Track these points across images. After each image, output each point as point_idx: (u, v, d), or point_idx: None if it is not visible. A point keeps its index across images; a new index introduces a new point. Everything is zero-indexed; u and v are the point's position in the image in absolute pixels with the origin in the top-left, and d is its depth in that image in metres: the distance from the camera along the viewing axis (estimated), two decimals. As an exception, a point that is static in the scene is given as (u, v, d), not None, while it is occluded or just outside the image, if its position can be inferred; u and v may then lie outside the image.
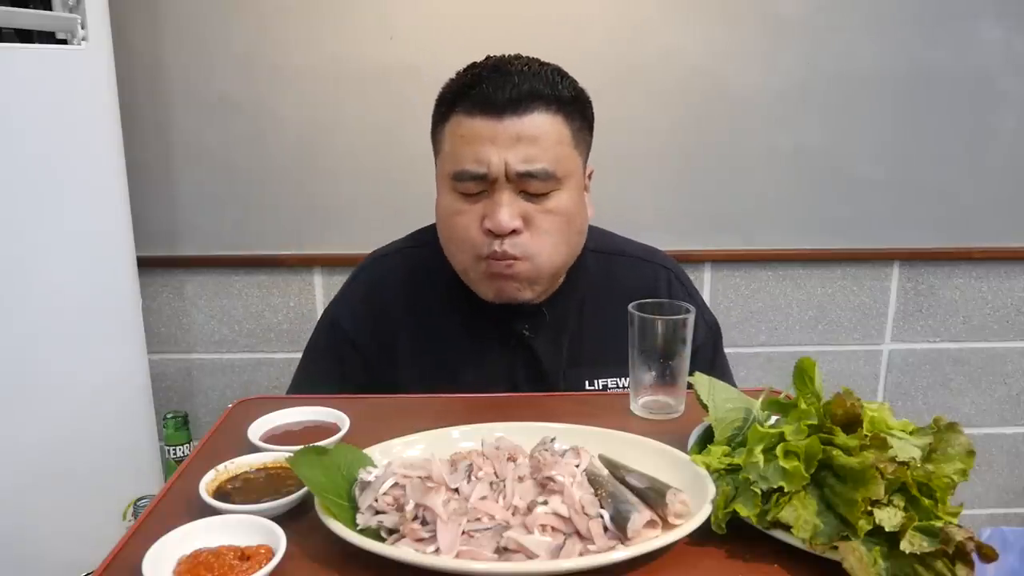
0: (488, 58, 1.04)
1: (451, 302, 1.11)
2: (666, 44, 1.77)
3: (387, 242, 1.24)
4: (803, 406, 0.70)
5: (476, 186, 1.00)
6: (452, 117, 1.02)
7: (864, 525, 0.60)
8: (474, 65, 1.04)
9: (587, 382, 1.10)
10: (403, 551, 0.61)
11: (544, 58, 1.05)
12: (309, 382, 1.15)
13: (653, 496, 0.66)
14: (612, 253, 1.17)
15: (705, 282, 1.91)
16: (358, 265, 1.21)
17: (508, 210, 0.98)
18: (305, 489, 0.70)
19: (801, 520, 0.62)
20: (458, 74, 1.04)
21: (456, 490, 0.67)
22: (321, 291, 1.88)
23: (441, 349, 1.12)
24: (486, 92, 0.98)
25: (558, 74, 1.03)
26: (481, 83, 0.99)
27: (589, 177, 1.10)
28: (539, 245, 1.01)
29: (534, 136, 0.98)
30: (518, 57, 1.04)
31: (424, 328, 1.12)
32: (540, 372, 1.10)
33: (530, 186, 0.99)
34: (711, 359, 1.16)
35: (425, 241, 1.15)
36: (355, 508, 0.67)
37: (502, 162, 0.97)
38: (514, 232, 0.99)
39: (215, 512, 0.68)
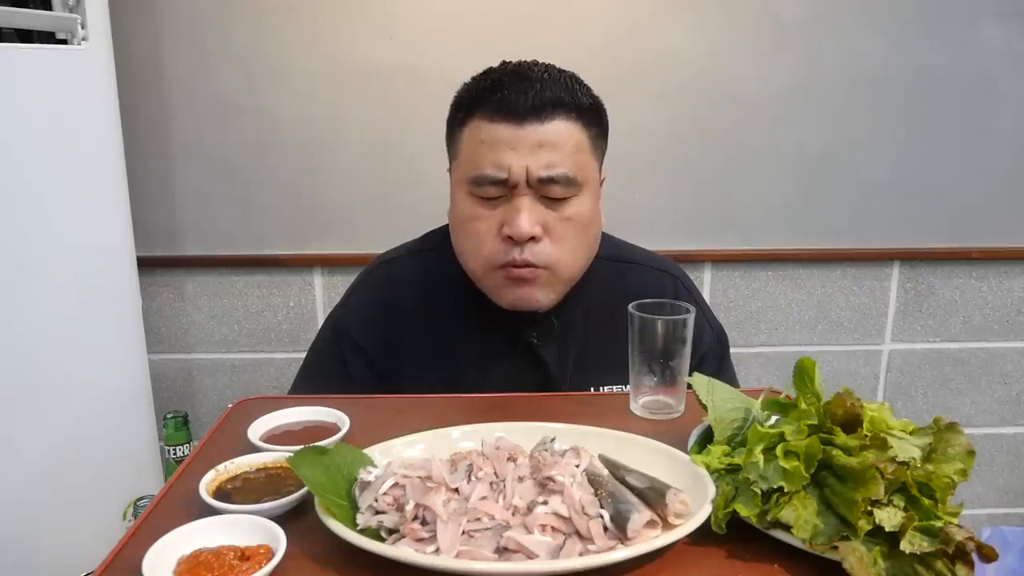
0: (505, 63, 1.04)
1: (461, 308, 1.10)
2: (667, 44, 1.77)
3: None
4: (803, 406, 0.70)
5: (495, 191, 0.99)
6: (471, 122, 1.01)
7: (864, 525, 0.60)
8: (492, 70, 1.03)
9: (593, 388, 1.09)
10: (403, 551, 0.61)
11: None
12: (311, 385, 1.14)
13: (653, 496, 0.66)
14: (619, 261, 1.17)
15: (705, 282, 1.92)
16: (366, 267, 1.20)
17: (528, 216, 0.98)
18: (305, 489, 0.70)
19: (801, 520, 0.62)
20: (475, 79, 1.04)
21: (456, 490, 0.67)
22: (321, 291, 1.88)
23: (448, 355, 1.11)
24: (508, 98, 0.98)
25: (576, 81, 1.03)
26: (502, 88, 0.98)
27: (601, 184, 1.10)
28: (558, 252, 1.00)
29: (555, 142, 0.98)
30: (536, 63, 1.03)
31: (432, 333, 1.11)
32: (547, 379, 1.10)
33: (551, 191, 0.99)
34: (716, 369, 1.13)
35: (436, 244, 1.14)
36: (355, 508, 0.67)
37: (523, 168, 0.97)
38: (533, 239, 0.98)
39: (215, 512, 0.68)
